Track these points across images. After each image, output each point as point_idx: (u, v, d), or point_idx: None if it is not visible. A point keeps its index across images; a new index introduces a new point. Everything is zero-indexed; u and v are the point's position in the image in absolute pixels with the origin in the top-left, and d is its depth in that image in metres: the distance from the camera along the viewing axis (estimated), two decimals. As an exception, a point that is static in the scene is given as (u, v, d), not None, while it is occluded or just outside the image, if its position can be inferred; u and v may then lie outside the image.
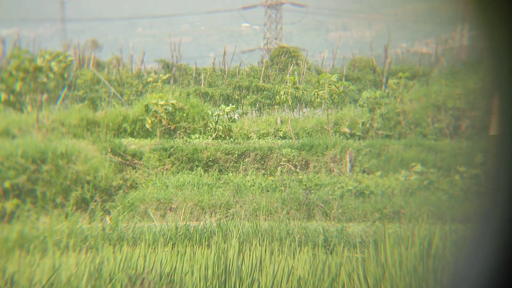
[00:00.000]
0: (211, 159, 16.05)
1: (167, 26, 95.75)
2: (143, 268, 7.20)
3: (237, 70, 24.99)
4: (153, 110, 17.11)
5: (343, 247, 9.45)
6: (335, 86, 17.80)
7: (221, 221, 11.48)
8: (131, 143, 16.55)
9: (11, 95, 19.67)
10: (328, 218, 13.12)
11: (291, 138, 17.89)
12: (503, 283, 3.43)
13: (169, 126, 17.58)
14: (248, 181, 15.02)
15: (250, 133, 18.53)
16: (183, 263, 8.04)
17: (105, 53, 36.12)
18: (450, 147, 16.41)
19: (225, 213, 13.36)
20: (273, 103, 21.66)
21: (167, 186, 14.42)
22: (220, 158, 16.13)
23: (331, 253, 9.31)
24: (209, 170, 15.73)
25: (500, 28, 3.59)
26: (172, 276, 7.06)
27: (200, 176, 15.10)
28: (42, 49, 22.49)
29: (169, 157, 15.84)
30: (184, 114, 18.11)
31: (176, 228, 10.65)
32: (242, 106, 22.26)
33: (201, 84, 23.98)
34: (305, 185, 14.54)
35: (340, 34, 62.62)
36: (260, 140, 17.91)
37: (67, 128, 17.48)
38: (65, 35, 63.90)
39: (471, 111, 17.57)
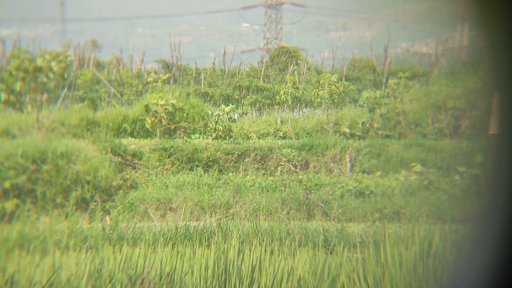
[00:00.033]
0: (211, 159, 16.05)
1: (167, 26, 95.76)
2: (143, 268, 7.19)
3: (237, 70, 24.97)
4: (153, 110, 17.11)
5: (343, 247, 9.44)
6: (335, 86, 17.80)
7: (221, 221, 11.48)
8: (131, 143, 16.55)
9: (11, 95, 19.66)
10: (328, 218, 13.12)
11: (291, 138, 17.89)
12: (503, 283, 3.43)
13: (169, 126, 17.58)
14: (248, 181, 15.02)
15: (250, 133, 18.53)
16: (183, 263, 8.04)
17: (105, 53, 36.15)
18: (450, 147, 16.40)
19: (225, 213, 13.37)
20: (273, 103, 21.66)
21: (167, 186, 14.42)
22: (220, 158, 16.13)
23: (331, 253, 9.31)
24: (209, 170, 15.73)
25: (500, 28, 3.59)
26: (172, 276, 7.07)
27: (200, 176, 15.10)
28: (42, 49, 22.54)
29: (169, 157, 15.83)
30: (184, 114, 18.11)
31: (176, 228, 10.65)
32: (242, 106, 22.25)
33: (201, 84, 23.97)
34: (305, 185, 14.53)
35: (340, 34, 62.61)
36: (260, 140, 17.91)
37: (67, 128, 17.48)
38: (65, 35, 63.92)
39: (471, 111, 17.57)
